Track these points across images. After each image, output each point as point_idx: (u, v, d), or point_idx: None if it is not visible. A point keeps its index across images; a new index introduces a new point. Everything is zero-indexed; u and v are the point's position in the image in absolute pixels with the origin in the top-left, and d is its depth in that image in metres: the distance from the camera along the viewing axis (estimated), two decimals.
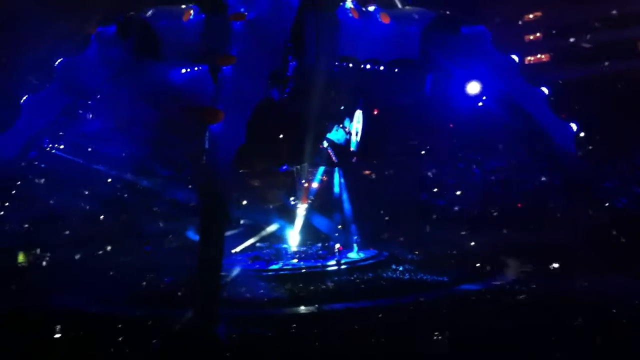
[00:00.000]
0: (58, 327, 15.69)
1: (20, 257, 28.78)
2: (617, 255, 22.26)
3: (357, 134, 28.61)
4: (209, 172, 18.31)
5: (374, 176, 38.05)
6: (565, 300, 17.95)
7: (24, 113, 23.59)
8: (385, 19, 23.94)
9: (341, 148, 28.12)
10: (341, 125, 27.82)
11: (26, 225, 29.59)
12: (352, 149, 28.48)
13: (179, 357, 13.95)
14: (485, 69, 25.53)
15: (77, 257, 29.24)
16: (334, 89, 24.59)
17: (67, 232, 30.60)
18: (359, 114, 28.42)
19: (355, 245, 28.54)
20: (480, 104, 27.72)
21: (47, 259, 29.03)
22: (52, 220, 30.70)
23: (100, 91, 26.14)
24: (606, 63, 43.84)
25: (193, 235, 27.63)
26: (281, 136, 25.98)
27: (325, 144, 27.92)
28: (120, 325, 17.33)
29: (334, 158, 27.86)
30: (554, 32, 48.32)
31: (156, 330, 16.28)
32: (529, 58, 47.77)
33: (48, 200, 31.13)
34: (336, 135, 27.90)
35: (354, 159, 28.59)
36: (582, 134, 28.06)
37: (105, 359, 14.37)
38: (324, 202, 31.34)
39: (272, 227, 30.24)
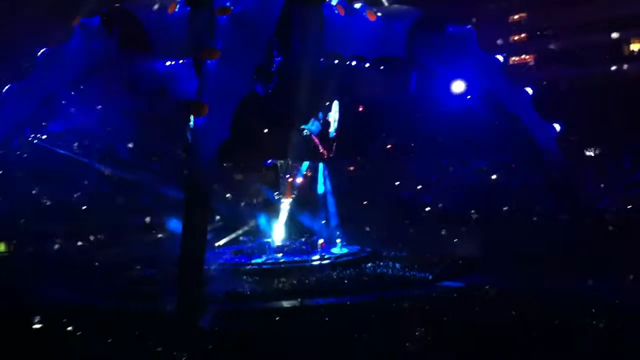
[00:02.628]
0: (37, 319, 15.58)
1: (1, 247, 28.50)
2: (598, 257, 22.46)
3: (334, 122, 28.57)
4: (192, 166, 18.28)
5: (358, 173, 38.16)
6: (546, 301, 18.11)
7: (5, 103, 23.31)
8: (371, 16, 23.97)
9: (321, 137, 28.11)
10: (318, 119, 27.79)
11: (7, 216, 29.26)
12: (330, 136, 28.43)
13: (161, 351, 13.88)
14: (470, 69, 25.65)
15: (58, 248, 28.99)
16: (317, 84, 24.55)
17: (49, 224, 30.33)
18: (335, 104, 28.41)
19: (338, 240, 28.58)
20: (464, 103, 27.86)
21: (28, 250, 28.73)
22: (34, 211, 30.42)
23: (84, 82, 25.91)
24: (591, 65, 44.36)
25: (176, 229, 27.53)
26: (266, 130, 25.93)
27: (306, 132, 27.87)
28: (101, 319, 17.26)
29: (320, 148, 27.85)
30: (538, 33, 48.78)
31: (138, 324, 16.21)
32: (513, 58, 48.21)
33: (30, 191, 30.88)
34: (312, 126, 27.89)
35: (334, 147, 28.54)
36: (565, 135, 28.33)
37: (85, 352, 14.27)
38: (307, 198, 31.29)
39: (255, 222, 30.16)
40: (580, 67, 45.06)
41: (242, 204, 32.80)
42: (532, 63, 49.23)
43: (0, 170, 28.41)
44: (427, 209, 35.24)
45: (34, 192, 30.99)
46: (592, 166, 34.37)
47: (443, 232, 30.83)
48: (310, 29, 22.41)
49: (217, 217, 28.65)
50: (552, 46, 47.68)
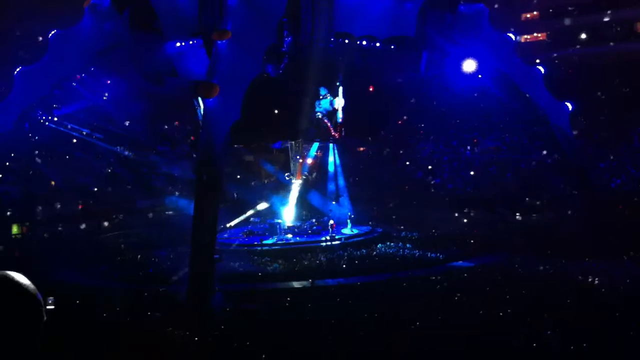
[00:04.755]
0: (52, 299, 15.75)
1: (15, 229, 28.76)
2: (609, 236, 22.36)
3: (340, 109, 28.40)
4: (203, 147, 18.29)
5: (369, 153, 38.08)
6: (556, 280, 18.14)
7: (17, 85, 23.39)
8: None
9: (330, 119, 27.95)
10: (327, 95, 27.50)
11: (21, 198, 29.50)
12: (339, 121, 28.28)
13: (173, 331, 14.02)
14: (482, 48, 25.38)
15: (71, 231, 29.22)
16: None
17: (61, 206, 30.57)
18: (340, 90, 28.20)
19: (349, 221, 28.60)
20: (476, 83, 27.63)
21: (41, 232, 28.98)
22: (47, 193, 30.64)
23: (95, 64, 25.92)
24: (603, 43, 43.75)
25: (187, 210, 27.66)
26: (276, 111, 25.83)
27: (319, 115, 27.72)
28: (115, 299, 17.44)
29: (331, 130, 27.72)
30: (551, 10, 48.06)
31: (150, 304, 16.39)
32: (525, 37, 47.59)
33: (42, 173, 31.07)
34: (324, 104, 27.67)
35: (343, 131, 28.41)
36: (577, 114, 28.02)
37: (99, 332, 14.43)
38: (318, 179, 31.30)
39: (266, 203, 30.23)
40: (592, 45, 44.47)
41: (253, 185, 32.85)
42: (544, 41, 48.57)
43: (13, 154, 28.60)
44: (438, 189, 35.16)
45: (46, 174, 31.13)
46: (604, 145, 34.05)
47: (453, 212, 30.77)
48: (320, 8, 22.21)
49: (228, 198, 28.81)
50: (564, 24, 46.98)
